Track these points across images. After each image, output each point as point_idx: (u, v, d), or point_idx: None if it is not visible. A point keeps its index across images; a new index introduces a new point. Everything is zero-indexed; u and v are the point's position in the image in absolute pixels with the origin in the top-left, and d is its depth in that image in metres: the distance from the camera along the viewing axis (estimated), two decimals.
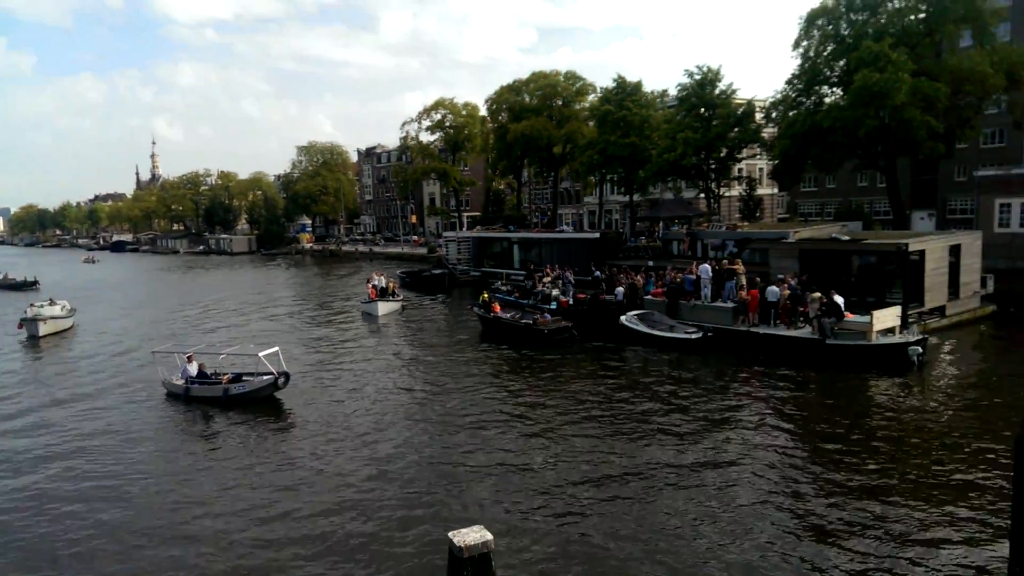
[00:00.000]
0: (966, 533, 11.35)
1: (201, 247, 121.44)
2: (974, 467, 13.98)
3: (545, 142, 59.40)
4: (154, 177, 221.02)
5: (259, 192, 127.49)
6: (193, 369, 22.09)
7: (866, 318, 22.44)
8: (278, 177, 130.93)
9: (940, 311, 27.24)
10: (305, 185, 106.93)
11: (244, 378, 21.54)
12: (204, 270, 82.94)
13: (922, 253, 26.18)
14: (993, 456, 14.38)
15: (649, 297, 29.73)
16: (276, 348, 22.17)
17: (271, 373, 21.06)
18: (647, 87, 52.16)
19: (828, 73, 39.63)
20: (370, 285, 39.35)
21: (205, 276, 74.63)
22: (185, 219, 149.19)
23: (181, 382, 21.99)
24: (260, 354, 21.34)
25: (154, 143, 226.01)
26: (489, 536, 6.00)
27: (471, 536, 5.98)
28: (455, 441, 16.94)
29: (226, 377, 21.66)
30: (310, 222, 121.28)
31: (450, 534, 5.99)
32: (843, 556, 10.84)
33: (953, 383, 20.83)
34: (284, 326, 35.94)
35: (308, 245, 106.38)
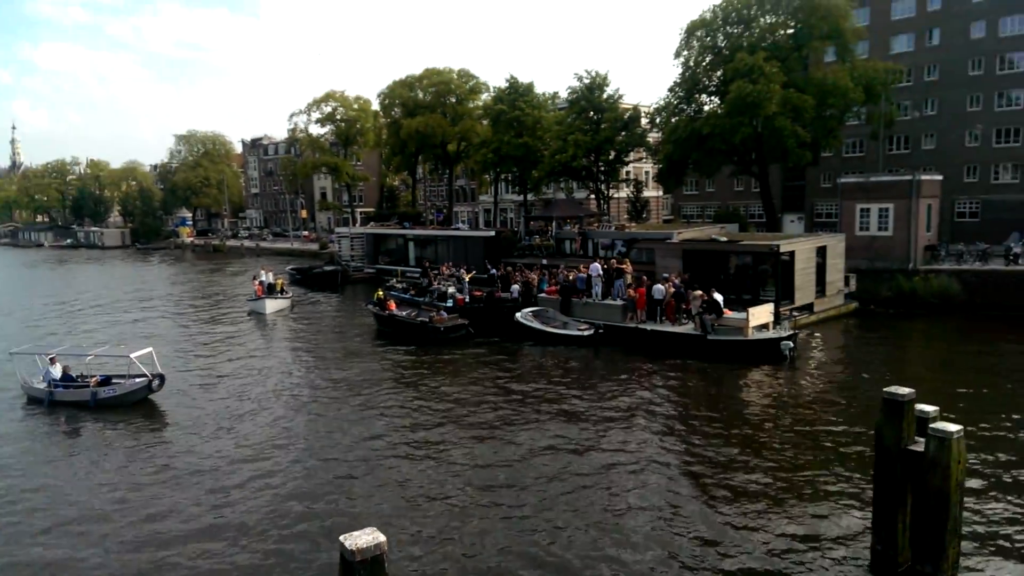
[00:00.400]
0: (832, 512, 12.33)
1: (69, 240, 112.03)
2: (840, 451, 15.23)
3: (440, 139, 59.12)
4: (15, 165, 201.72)
5: (134, 183, 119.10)
6: (56, 371, 20.51)
7: (743, 315, 23.93)
8: (155, 167, 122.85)
9: (809, 308, 29.41)
10: (185, 176, 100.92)
11: (114, 381, 20.24)
12: (74, 264, 76.59)
13: (792, 254, 28.18)
14: (857, 441, 15.70)
15: (543, 295, 30.31)
16: (149, 349, 21.01)
17: (144, 375, 19.97)
18: (538, 89, 53.07)
19: (707, 82, 41.85)
20: (257, 282, 37.71)
21: (74, 271, 68.86)
22: (50, 210, 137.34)
23: (43, 386, 20.37)
24: (132, 355, 20.13)
25: (14, 128, 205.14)
26: (382, 538, 5.91)
27: (363, 539, 5.86)
28: (346, 442, 16.60)
29: (94, 380, 20.27)
30: (191, 215, 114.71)
31: (341, 537, 5.85)
32: (720, 537, 11.51)
33: (821, 374, 22.56)
34: (163, 326, 33.82)
35: (189, 239, 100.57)
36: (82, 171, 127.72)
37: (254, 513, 12.94)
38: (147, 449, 16.69)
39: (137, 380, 20.01)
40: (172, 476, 14.88)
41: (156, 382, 20.06)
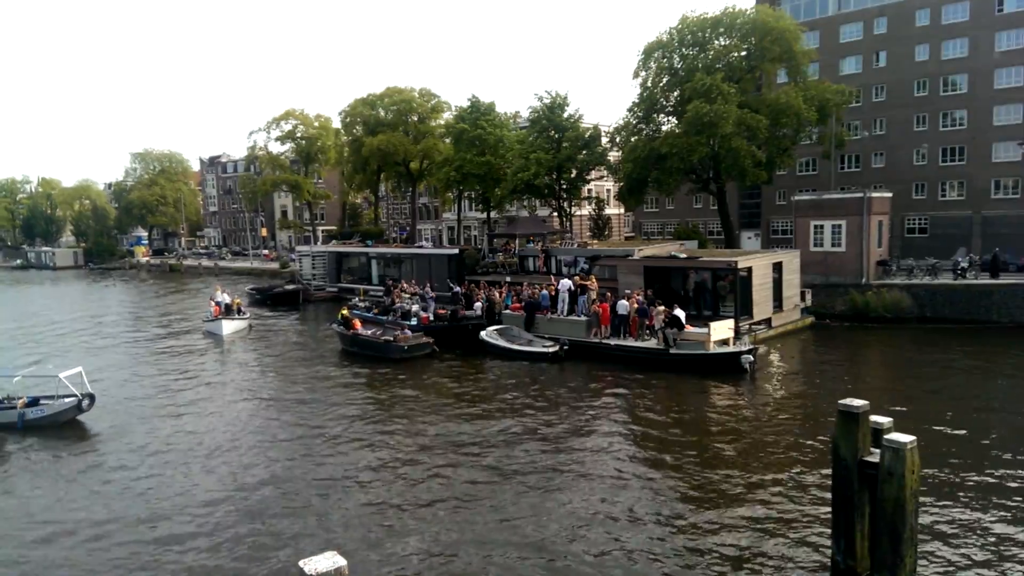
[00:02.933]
0: (792, 523, 12.50)
1: (19, 261, 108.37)
2: (799, 462, 15.49)
3: (402, 157, 59.07)
4: None
5: (87, 201, 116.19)
6: None
7: (704, 330, 24.28)
8: (109, 186, 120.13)
9: (767, 322, 29.99)
10: (140, 194, 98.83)
11: (42, 401, 20.01)
12: (23, 285, 74.05)
13: (750, 270, 28.74)
14: (814, 452, 15.99)
15: (508, 312, 30.33)
16: (79, 368, 20.75)
17: (74, 395, 19.80)
18: (499, 108, 53.49)
19: (664, 103, 42.74)
20: (213, 302, 36.88)
21: (23, 292, 66.60)
22: None
23: None
24: (61, 375, 19.92)
25: None
26: (343, 562, 5.82)
27: (323, 563, 5.76)
28: (305, 464, 16.27)
29: (21, 401, 19.90)
30: (147, 234, 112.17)
31: (301, 562, 5.74)
32: (679, 549, 11.57)
33: (780, 387, 22.99)
34: (110, 348, 32.77)
35: (144, 259, 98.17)
36: (33, 189, 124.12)
37: (206, 538, 12.57)
38: (79, 472, 16.35)
39: (66, 400, 19.86)
40: (104, 499, 14.49)
41: (86, 402, 19.95)
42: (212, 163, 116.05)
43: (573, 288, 29.09)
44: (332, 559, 5.83)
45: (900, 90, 47.40)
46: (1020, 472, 14.41)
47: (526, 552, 11.76)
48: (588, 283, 29.53)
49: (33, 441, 18.42)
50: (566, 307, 28.73)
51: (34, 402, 20.00)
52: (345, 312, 31.20)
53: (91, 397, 20.04)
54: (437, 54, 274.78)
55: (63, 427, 19.52)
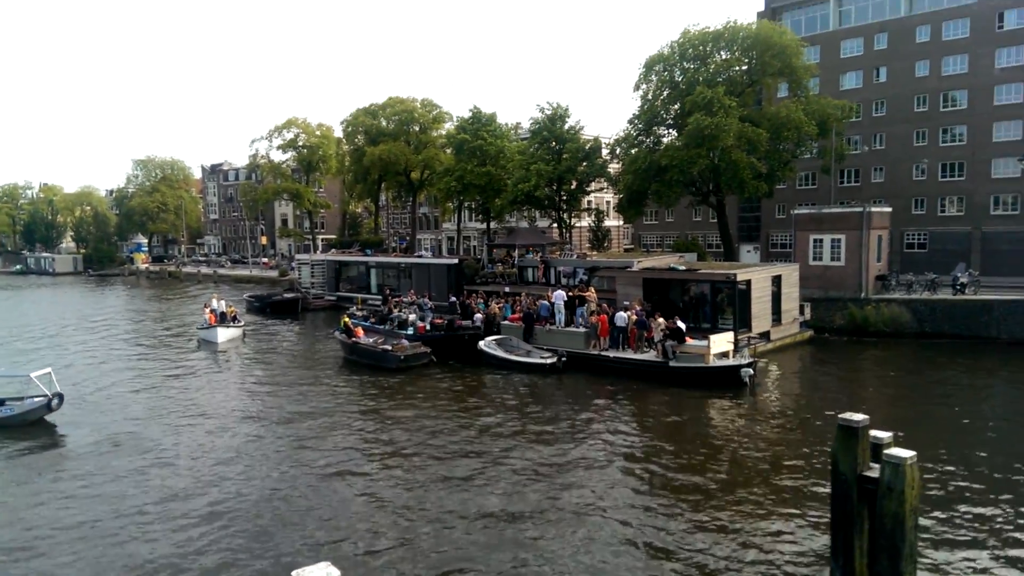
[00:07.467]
0: (792, 534, 12.40)
1: (18, 266, 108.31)
2: (798, 477, 15.40)
3: (403, 167, 59.19)
4: None
5: (88, 208, 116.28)
6: None
7: (704, 343, 24.20)
8: (110, 192, 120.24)
9: (766, 336, 29.92)
10: (141, 201, 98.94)
11: (8, 402, 20.36)
12: (22, 291, 73.91)
13: (749, 283, 28.71)
14: (814, 467, 15.90)
15: (506, 322, 30.26)
16: (48, 369, 21.15)
17: (44, 395, 20.15)
18: (501, 119, 53.68)
19: (664, 115, 42.90)
20: (208, 310, 36.83)
21: (21, 298, 66.49)
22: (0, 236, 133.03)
23: None
24: (32, 375, 20.36)
25: None
26: (337, 573, 5.73)
27: (317, 574, 5.69)
28: (293, 472, 16.13)
29: None
30: (146, 241, 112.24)
31: (294, 573, 5.65)
32: (677, 562, 11.47)
33: (779, 400, 22.90)
34: (105, 354, 32.62)
35: (144, 266, 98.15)
36: (34, 195, 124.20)
37: (196, 547, 12.43)
38: (43, 471, 16.48)
39: (35, 400, 20.19)
40: (75, 501, 14.54)
41: (55, 401, 20.23)
42: (214, 171, 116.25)
43: (566, 298, 29.07)
44: (326, 570, 5.75)
45: (900, 105, 47.60)
46: (1020, 488, 14.32)
47: (521, 563, 11.65)
48: (587, 294, 29.49)
49: (4, 442, 18.61)
50: (563, 318, 28.69)
51: (1, 402, 20.42)
52: (347, 320, 31.19)
53: (60, 396, 20.42)
54: (440, 64, 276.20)
55: (31, 426, 19.94)
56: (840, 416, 10.18)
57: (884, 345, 30.90)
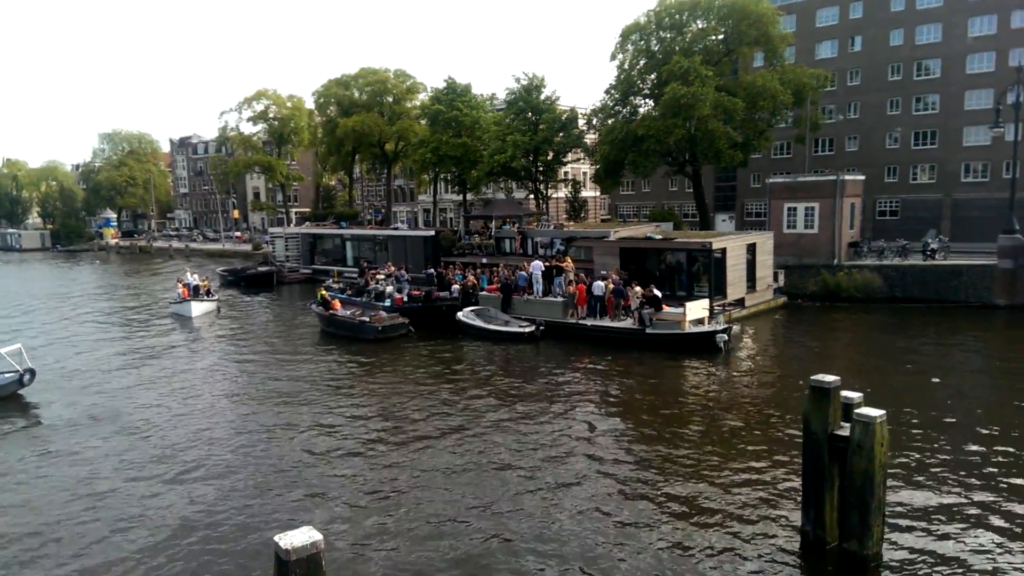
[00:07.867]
0: (763, 495, 12.69)
1: None
2: (771, 437, 15.73)
3: (377, 138, 58.42)
4: None
5: (54, 183, 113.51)
6: None
7: (680, 310, 24.46)
8: (77, 167, 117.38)
9: (740, 302, 30.28)
10: (109, 176, 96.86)
11: None
12: None
13: (724, 251, 28.97)
14: (787, 426, 16.24)
15: (484, 293, 30.28)
16: (18, 345, 21.20)
17: (15, 370, 20.18)
18: (476, 90, 53.10)
19: (641, 85, 42.68)
20: (181, 284, 36.36)
21: None
22: None
23: None
24: (2, 351, 20.29)
25: None
26: (319, 536, 5.76)
27: (299, 538, 5.71)
28: (279, 442, 16.11)
29: None
30: (115, 216, 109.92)
31: (276, 537, 5.68)
32: (651, 520, 11.71)
33: (753, 364, 23.28)
34: (76, 329, 32.15)
35: (113, 241, 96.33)
36: None
37: (176, 514, 12.42)
38: (25, 445, 16.53)
39: (6, 375, 20.23)
40: (51, 473, 14.53)
41: (27, 376, 20.28)
42: (182, 144, 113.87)
43: (543, 268, 29.15)
44: (308, 534, 5.78)
45: (874, 74, 47.86)
46: (985, 446, 14.77)
47: (500, 529, 11.80)
48: (564, 264, 29.57)
49: None
50: (541, 288, 28.77)
51: None
52: (324, 293, 30.95)
53: (32, 372, 20.44)
54: (413, 35, 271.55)
55: (3, 401, 19.92)
56: (812, 377, 10.39)
57: (856, 310, 31.45)
